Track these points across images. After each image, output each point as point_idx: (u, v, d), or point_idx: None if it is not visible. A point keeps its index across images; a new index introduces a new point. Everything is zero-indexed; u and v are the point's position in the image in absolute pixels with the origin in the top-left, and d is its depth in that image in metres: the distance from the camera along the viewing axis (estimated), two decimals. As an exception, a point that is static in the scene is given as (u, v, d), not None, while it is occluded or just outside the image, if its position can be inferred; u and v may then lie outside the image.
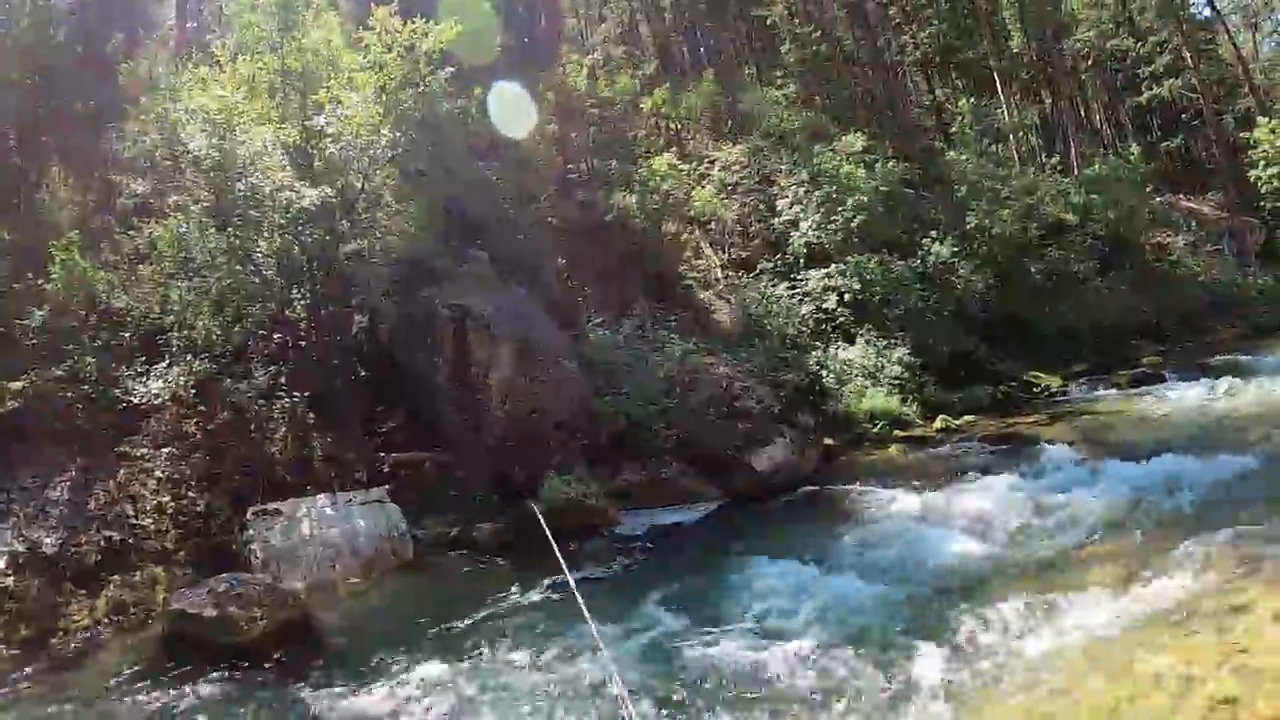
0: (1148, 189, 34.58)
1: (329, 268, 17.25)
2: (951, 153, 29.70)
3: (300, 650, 10.47)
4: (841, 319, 22.90)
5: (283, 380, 15.97)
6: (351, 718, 8.49)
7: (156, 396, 15.95)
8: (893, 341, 21.81)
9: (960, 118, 30.66)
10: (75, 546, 12.68)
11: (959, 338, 23.29)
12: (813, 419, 18.05)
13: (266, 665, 10.04)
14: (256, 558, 12.97)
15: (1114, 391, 20.66)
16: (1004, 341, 25.12)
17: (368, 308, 19.33)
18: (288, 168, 15.99)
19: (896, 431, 19.00)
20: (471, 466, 16.64)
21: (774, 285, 24.55)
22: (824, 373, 20.55)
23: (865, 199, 24.09)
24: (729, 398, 16.78)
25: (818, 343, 22.56)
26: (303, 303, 17.61)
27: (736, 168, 29.45)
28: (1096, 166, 32.30)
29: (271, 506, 13.84)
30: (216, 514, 14.18)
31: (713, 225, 27.39)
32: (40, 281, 17.31)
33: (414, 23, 17.33)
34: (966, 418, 19.70)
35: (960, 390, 21.32)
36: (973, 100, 32.56)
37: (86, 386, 15.47)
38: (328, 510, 13.98)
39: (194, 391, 16.32)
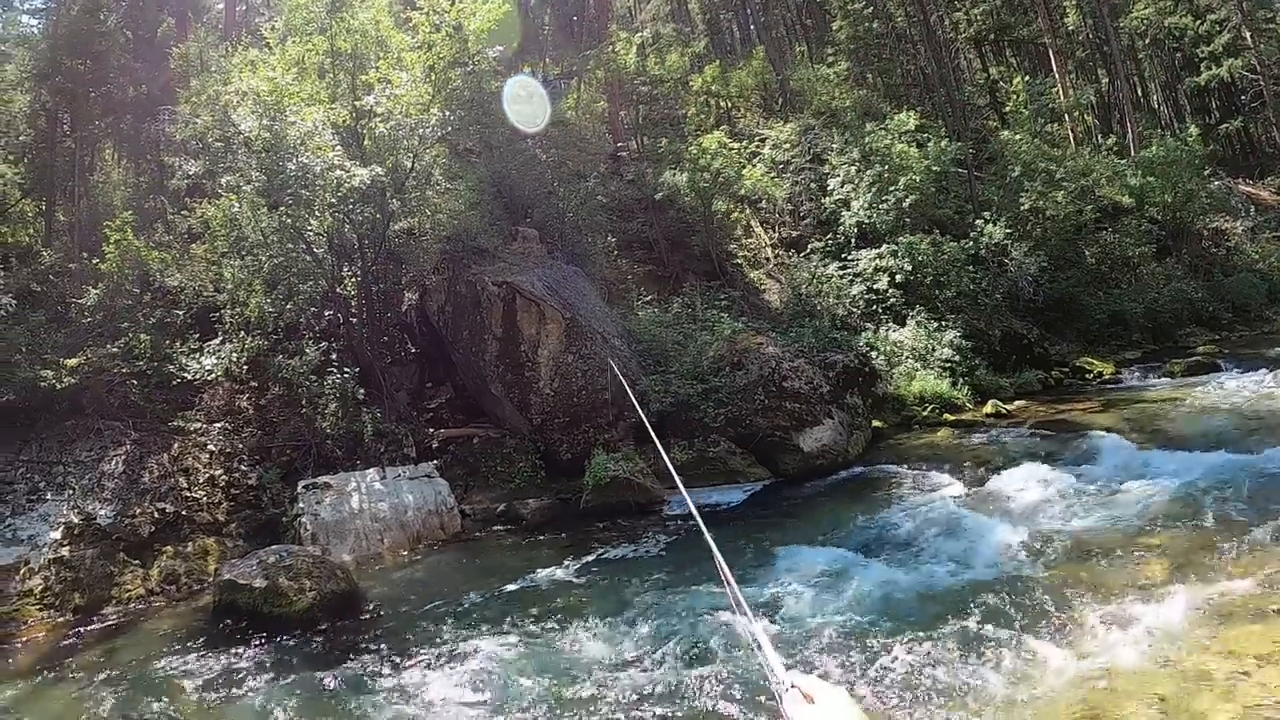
0: (1205, 172, 33.83)
1: (379, 246, 17.39)
2: (1005, 132, 29.20)
3: (348, 621, 10.61)
4: (892, 300, 22.66)
5: (333, 356, 16.14)
6: (397, 687, 8.54)
7: (210, 372, 16.27)
8: (944, 323, 21.51)
9: (1014, 96, 30.12)
10: (129, 518, 12.93)
11: (1011, 321, 22.97)
12: (861, 401, 17.88)
13: (314, 635, 10.17)
14: (306, 530, 13.14)
15: (1167, 380, 20.16)
16: (1056, 326, 24.77)
17: (418, 285, 19.48)
18: (338, 147, 16.11)
19: (946, 415, 18.74)
20: (519, 443, 16.73)
21: (824, 265, 24.36)
22: (874, 354, 20.34)
23: (917, 179, 23.77)
24: (778, 378, 16.64)
25: (868, 324, 22.37)
26: (353, 280, 17.81)
27: (787, 146, 29.21)
28: (1154, 148, 31.47)
29: (321, 480, 14.03)
30: (267, 487, 14.44)
31: (763, 204, 27.25)
32: (95, 261, 17.69)
33: (462, 2, 17.35)
34: (1018, 403, 19.37)
35: (1012, 374, 21.00)
36: (1027, 79, 31.89)
37: (141, 363, 15.79)
38: (377, 484, 14.14)
39: (246, 367, 16.63)
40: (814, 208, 26.83)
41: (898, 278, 22.71)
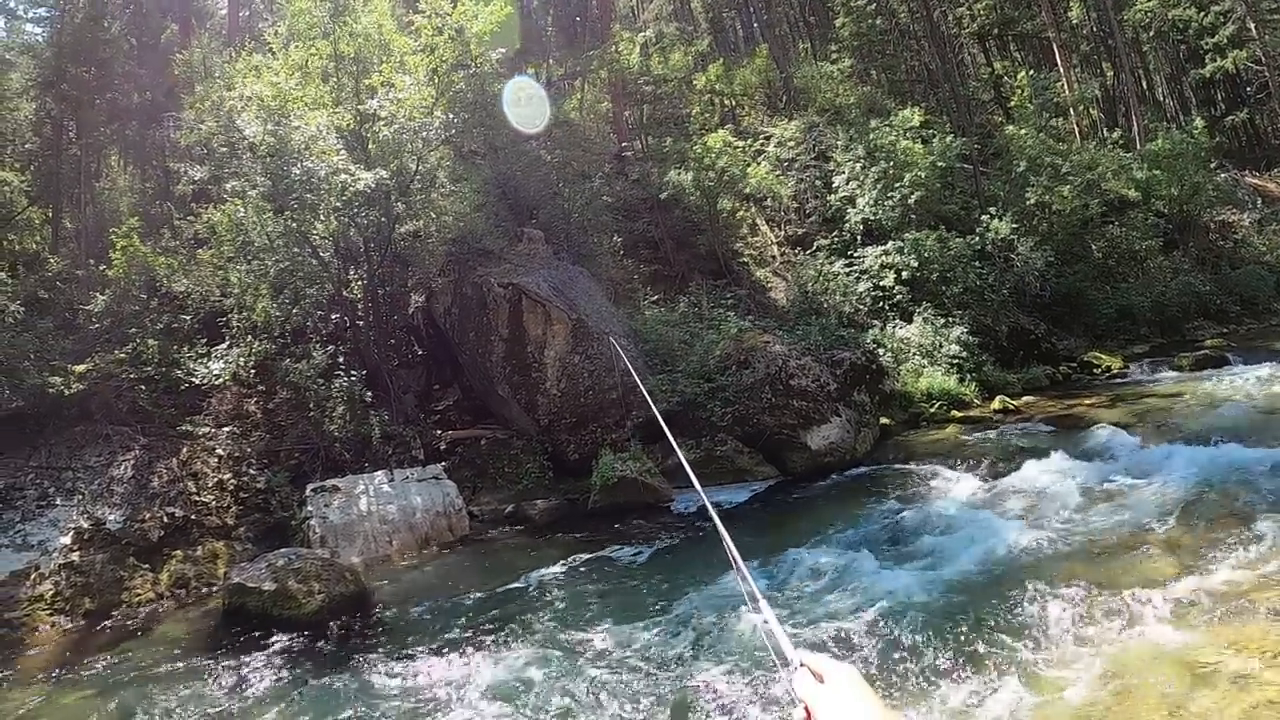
0: (1212, 165, 33.70)
1: (385, 249, 17.42)
2: (1010, 127, 29.06)
3: (357, 623, 10.64)
4: (899, 297, 22.64)
5: (341, 359, 16.19)
6: (407, 688, 8.56)
7: (217, 377, 16.33)
8: (951, 320, 21.49)
9: (1019, 91, 30.01)
10: (139, 522, 12.98)
11: (1018, 316, 22.93)
12: (869, 398, 17.85)
13: (324, 637, 10.20)
14: (315, 533, 13.15)
15: (1175, 374, 20.04)
16: (1063, 321, 24.72)
17: (424, 287, 19.53)
18: (342, 151, 16.12)
19: (954, 411, 18.70)
20: (526, 444, 16.76)
21: (830, 262, 24.35)
22: (881, 351, 20.31)
23: (922, 175, 23.73)
24: (784, 376, 16.63)
25: (875, 321, 22.35)
26: (360, 283, 17.85)
27: (792, 144, 29.21)
28: (1159, 141, 31.33)
29: (330, 483, 14.05)
30: (276, 490, 14.48)
31: (768, 202, 27.24)
32: (102, 267, 17.77)
33: (464, 5, 17.37)
34: (1025, 398, 19.33)
35: (1019, 370, 20.95)
36: (1032, 73, 31.76)
37: (149, 368, 15.85)
38: (385, 487, 14.16)
39: (254, 371, 16.68)
40: (819, 205, 26.83)
41: (904, 274, 22.69)
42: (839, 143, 27.16)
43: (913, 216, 23.93)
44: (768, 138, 30.06)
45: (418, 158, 16.97)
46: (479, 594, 11.31)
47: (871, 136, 25.39)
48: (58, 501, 13.16)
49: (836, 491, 14.59)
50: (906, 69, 37.82)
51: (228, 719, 8.39)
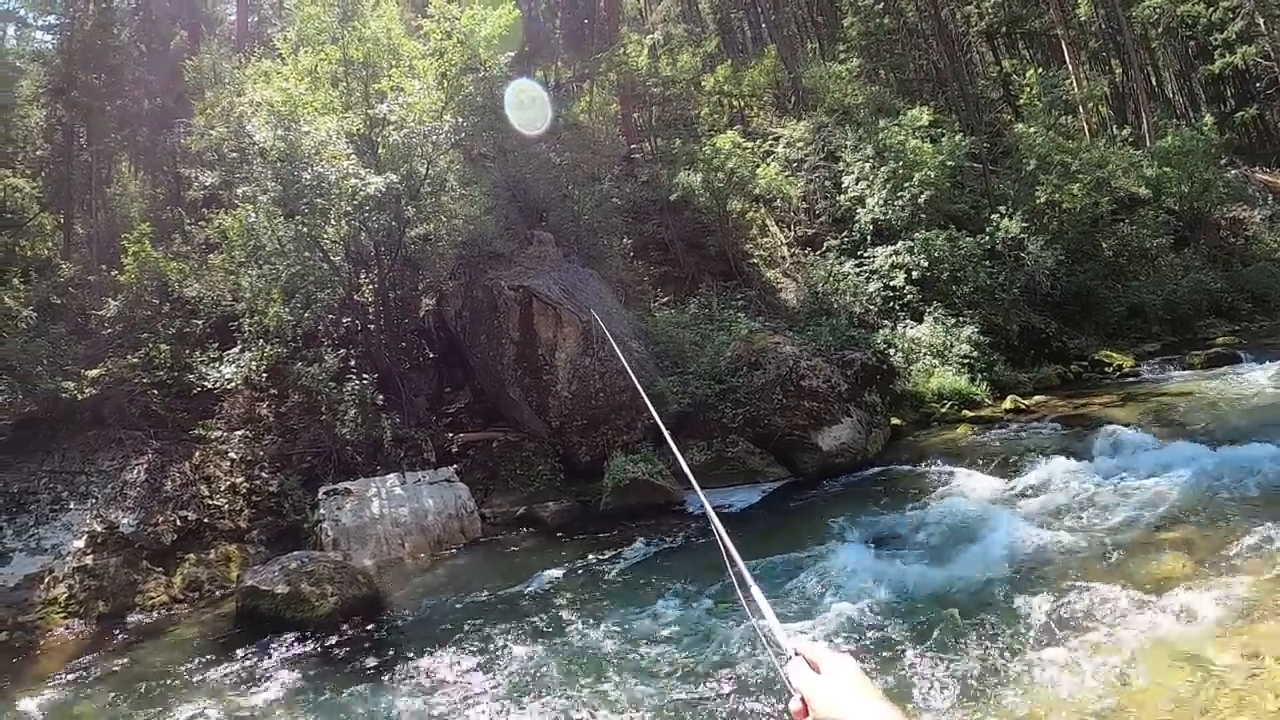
0: (1222, 161, 33.53)
1: (396, 252, 17.47)
2: (1020, 125, 28.95)
3: (370, 625, 10.67)
4: (909, 296, 22.61)
5: (352, 363, 16.21)
6: (420, 689, 8.59)
7: (229, 381, 16.39)
8: (961, 319, 21.44)
9: (1028, 89, 29.86)
10: (152, 526, 13.05)
11: (1029, 315, 22.87)
12: (880, 398, 17.81)
13: (336, 640, 10.23)
14: (327, 536, 13.19)
15: (1187, 372, 19.92)
16: (1074, 319, 24.62)
17: (435, 290, 19.58)
18: (352, 156, 16.17)
19: (965, 411, 18.64)
20: (537, 446, 16.78)
21: (841, 263, 24.33)
22: (892, 351, 20.28)
23: (932, 174, 23.67)
24: (795, 377, 16.62)
25: (885, 321, 22.33)
26: (371, 287, 17.90)
27: (801, 144, 29.18)
28: (1169, 138, 31.18)
29: (342, 486, 14.10)
30: (288, 494, 14.53)
31: (778, 203, 27.20)
32: (114, 273, 17.85)
33: (472, 8, 17.41)
34: (1037, 398, 19.26)
35: (1030, 369, 20.88)
36: (1041, 71, 31.63)
37: (161, 373, 15.93)
38: (397, 489, 14.19)
39: (265, 375, 16.74)
40: (829, 205, 26.79)
41: (914, 274, 22.66)
42: (848, 143, 27.09)
43: (922, 216, 23.88)
44: (776, 138, 30.04)
45: (428, 161, 17.01)
46: (491, 596, 11.33)
47: (880, 136, 25.34)
48: (71, 505, 13.23)
49: (848, 492, 14.55)
50: (915, 68, 37.75)
51: (242, 721, 8.43)
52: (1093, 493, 11.92)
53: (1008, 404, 18.62)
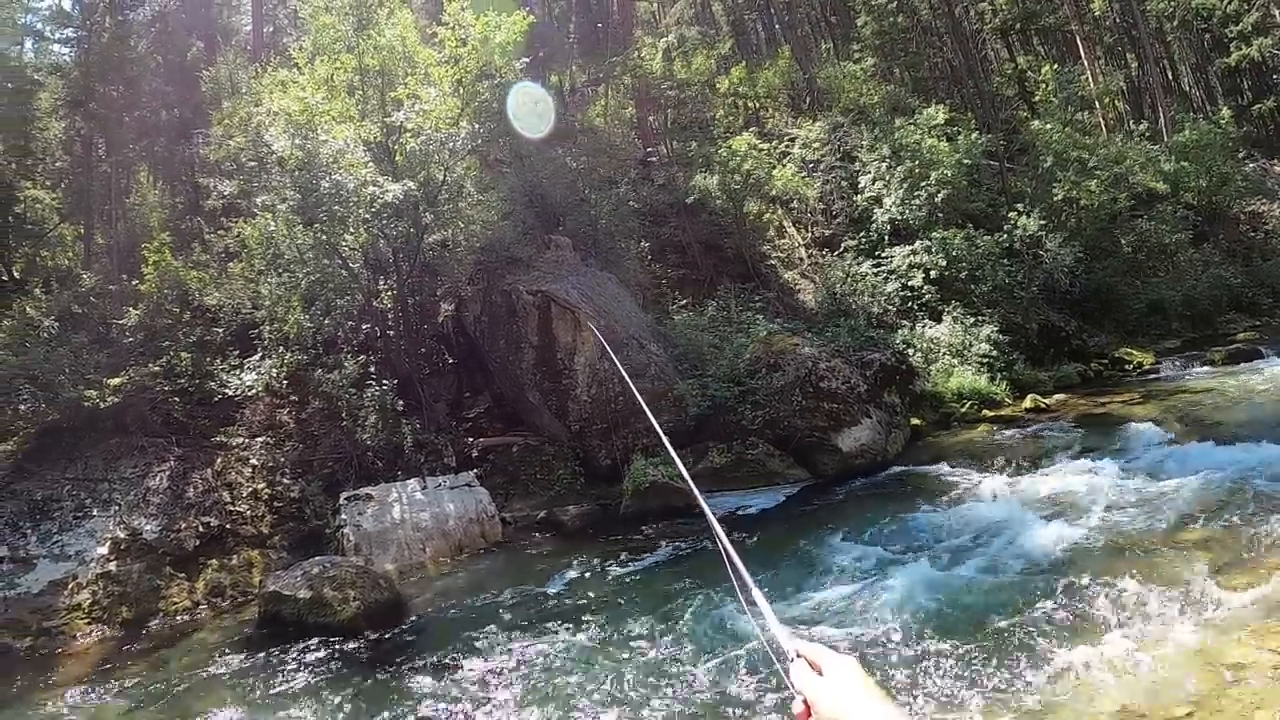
0: (1240, 155, 33.33)
1: (414, 259, 17.53)
2: (1036, 122, 28.78)
3: (392, 630, 10.71)
4: (928, 296, 22.52)
5: (372, 369, 16.29)
6: (442, 693, 8.61)
7: (250, 388, 16.49)
8: (980, 318, 21.34)
9: (1043, 85, 29.69)
10: (174, 532, 13.14)
11: (1048, 313, 22.77)
12: (899, 399, 17.75)
13: (359, 644, 10.28)
14: (349, 541, 13.25)
15: (1208, 369, 19.77)
16: (1094, 317, 24.49)
17: (453, 296, 19.64)
18: (370, 164, 16.24)
19: (985, 411, 18.56)
20: (557, 450, 16.80)
21: (858, 263, 24.27)
22: (911, 351, 20.20)
23: (948, 173, 23.58)
24: (814, 378, 16.58)
25: (904, 321, 22.25)
26: (389, 293, 17.97)
27: (817, 145, 29.12)
28: (1186, 132, 31.02)
29: (363, 491, 14.15)
30: (310, 499, 14.59)
31: (795, 204, 27.17)
32: (134, 282, 17.97)
33: (487, 16, 17.45)
34: (1057, 396, 19.15)
35: (1050, 368, 20.78)
36: (1056, 67, 31.50)
37: (183, 380, 16.03)
38: (418, 494, 14.24)
39: (286, 382, 16.82)
40: (846, 206, 26.72)
41: (932, 274, 22.57)
42: (864, 142, 27.01)
43: (940, 215, 23.80)
44: (792, 139, 29.98)
45: (445, 168, 17.07)
46: (512, 600, 11.36)
47: (896, 135, 25.26)
48: (94, 512, 13.32)
49: (868, 493, 14.52)
50: (929, 66, 37.65)
51: (266, 726, 8.48)
52: (1114, 492, 11.86)
53: (1028, 403, 18.53)
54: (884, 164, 25.39)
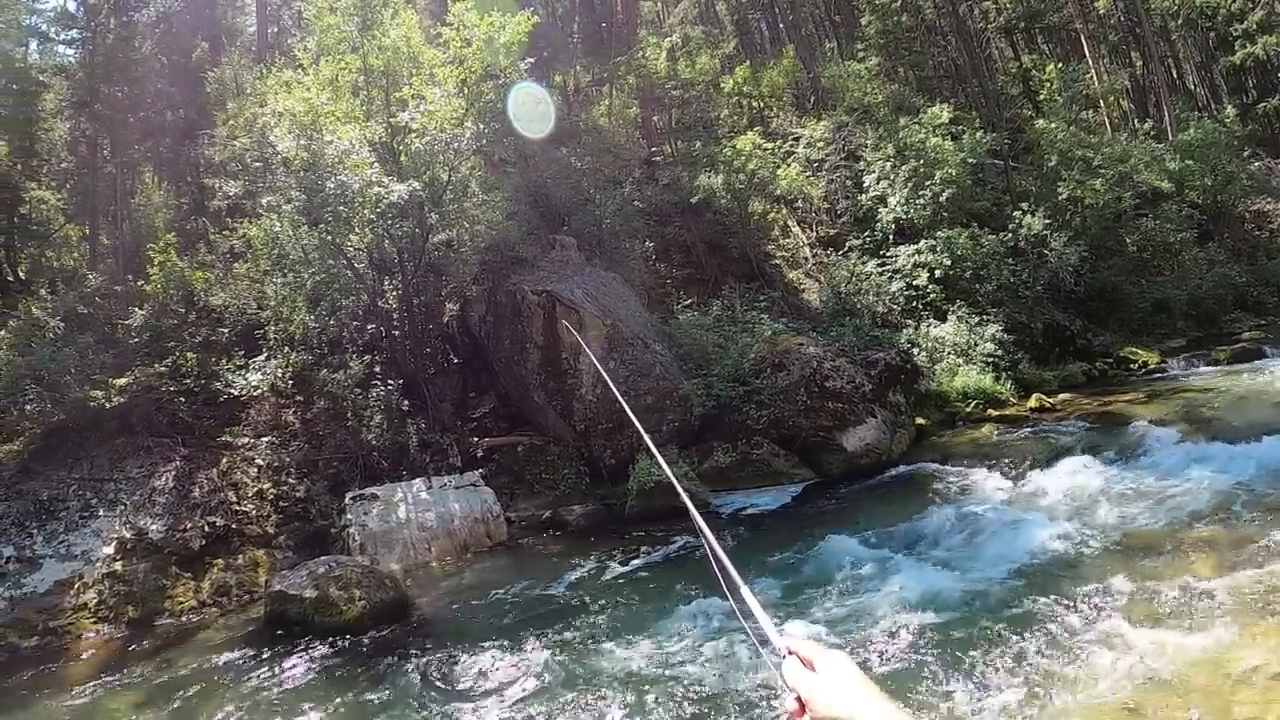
0: (1245, 153, 33.28)
1: (419, 259, 17.53)
2: (1040, 121, 28.73)
3: (397, 629, 10.74)
4: (932, 295, 22.49)
5: (377, 369, 16.33)
6: (447, 692, 8.63)
7: (255, 388, 16.50)
8: (985, 318, 21.32)
9: (1048, 84, 29.67)
10: (180, 532, 13.16)
11: (1053, 313, 22.73)
12: (904, 398, 17.75)
13: (364, 643, 10.30)
14: (354, 541, 13.27)
15: (1213, 368, 19.72)
16: (1099, 316, 24.43)
17: (458, 296, 19.65)
18: (375, 164, 16.22)
19: (990, 410, 18.53)
20: (562, 450, 16.81)
21: (863, 262, 24.24)
22: (915, 351, 20.21)
23: (953, 172, 23.57)
24: (819, 378, 16.58)
25: (909, 320, 22.22)
26: (394, 293, 17.97)
27: (821, 144, 29.11)
28: (1191, 131, 30.93)
29: (368, 491, 14.16)
30: (315, 499, 14.60)
31: (799, 203, 27.15)
32: (140, 283, 18.00)
33: (491, 16, 17.45)
34: (1062, 396, 19.11)
35: (1055, 367, 20.74)
36: (1060, 66, 31.43)
37: (188, 381, 16.05)
38: (423, 494, 14.25)
39: (291, 382, 16.84)
40: (850, 205, 26.71)
41: (937, 273, 22.55)
42: (868, 142, 26.98)
43: (944, 214, 23.78)
44: (797, 139, 29.98)
45: (449, 168, 17.07)
46: (517, 600, 11.39)
47: (901, 135, 25.25)
48: (100, 512, 13.35)
49: (873, 493, 14.52)
50: (934, 65, 37.59)
51: (272, 724, 8.50)
52: (1119, 491, 11.87)
53: (1033, 402, 18.50)
54: (888, 163, 25.37)
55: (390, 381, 15.95)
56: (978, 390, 19.03)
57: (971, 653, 7.85)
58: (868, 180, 25.99)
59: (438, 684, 8.84)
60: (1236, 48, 40.79)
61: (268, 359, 17.36)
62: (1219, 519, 10.22)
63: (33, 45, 27.35)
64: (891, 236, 24.54)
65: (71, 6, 28.75)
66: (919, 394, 18.49)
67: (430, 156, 16.85)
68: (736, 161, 24.60)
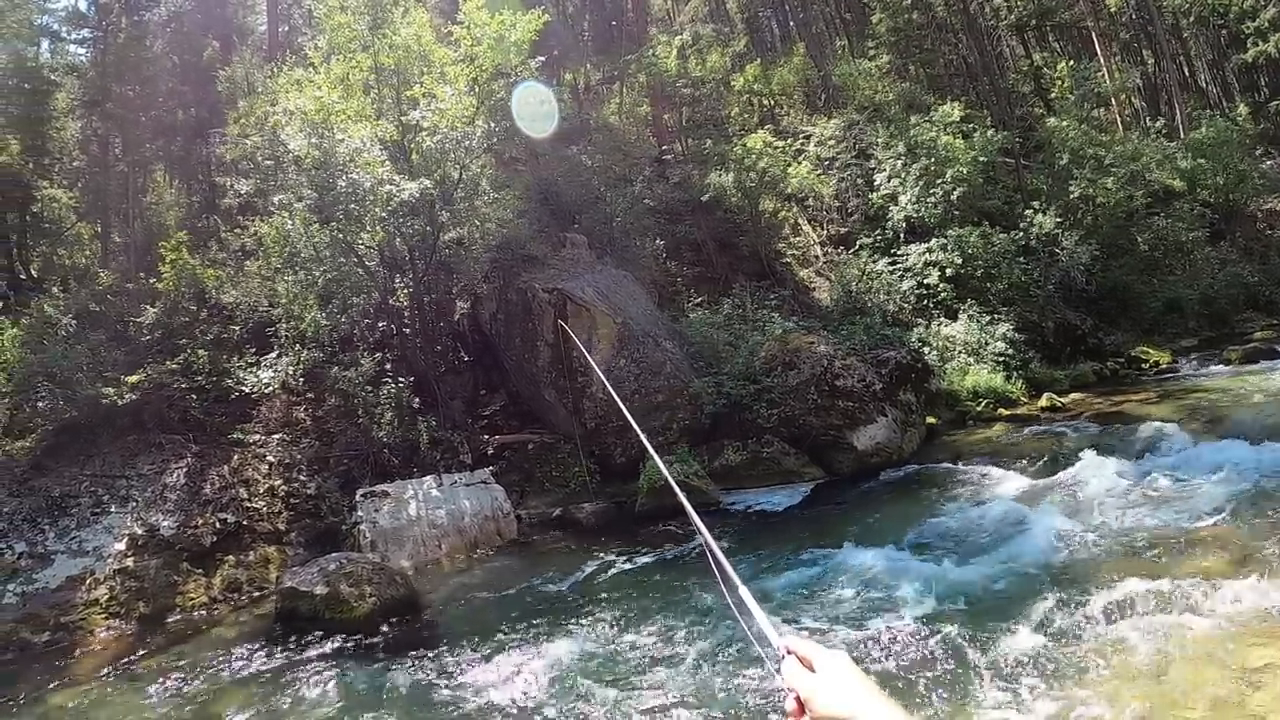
0: (1257, 152, 33.23)
1: (430, 257, 17.54)
2: (1052, 119, 28.68)
3: (407, 626, 10.76)
4: (943, 294, 22.48)
5: (388, 366, 16.37)
6: (458, 688, 8.64)
7: (267, 385, 16.55)
8: (996, 317, 21.31)
9: (1059, 82, 29.61)
10: (191, 529, 13.19)
11: (1064, 312, 22.68)
12: (915, 397, 17.69)
13: (375, 640, 10.33)
14: (365, 538, 13.29)
15: (1225, 368, 19.65)
16: (1110, 315, 24.38)
17: (469, 294, 19.67)
18: (386, 162, 16.25)
19: (1000, 410, 18.51)
20: (573, 447, 16.82)
21: (874, 261, 24.24)
22: (926, 350, 20.15)
23: (964, 170, 23.53)
24: (830, 376, 16.53)
25: (920, 319, 22.21)
26: (405, 291, 17.99)
27: (832, 142, 29.12)
28: (1203, 129, 30.84)
29: (379, 488, 14.18)
30: (326, 496, 14.64)
31: (810, 201, 27.15)
32: (152, 280, 18.06)
33: (502, 15, 17.45)
34: (1073, 395, 19.07)
35: (1066, 366, 20.72)
36: (1071, 64, 31.32)
37: (200, 378, 16.10)
38: (434, 491, 14.27)
39: (302, 380, 16.88)
40: (861, 203, 26.69)
41: (948, 271, 22.53)
42: (879, 140, 26.93)
43: (955, 213, 23.75)
44: (807, 137, 29.98)
45: (460, 166, 17.08)
46: (527, 597, 11.39)
47: (912, 133, 25.19)
48: (112, 509, 13.38)
49: (883, 492, 14.49)
50: (945, 63, 37.50)
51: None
52: (1129, 491, 11.83)
53: (1044, 402, 18.47)
54: (899, 161, 25.33)
55: (401, 379, 15.99)
56: (988, 389, 19.00)
57: (979, 652, 7.84)
58: (878, 178, 25.96)
59: (448, 680, 8.85)
60: (1249, 45, 40.58)
61: (279, 356, 17.40)
62: (1230, 519, 10.19)
63: (44, 45, 27.52)
64: (902, 235, 24.52)
65: (83, 6, 28.99)
66: (930, 393, 18.43)
67: (441, 155, 16.87)
68: (747, 160, 24.59)
